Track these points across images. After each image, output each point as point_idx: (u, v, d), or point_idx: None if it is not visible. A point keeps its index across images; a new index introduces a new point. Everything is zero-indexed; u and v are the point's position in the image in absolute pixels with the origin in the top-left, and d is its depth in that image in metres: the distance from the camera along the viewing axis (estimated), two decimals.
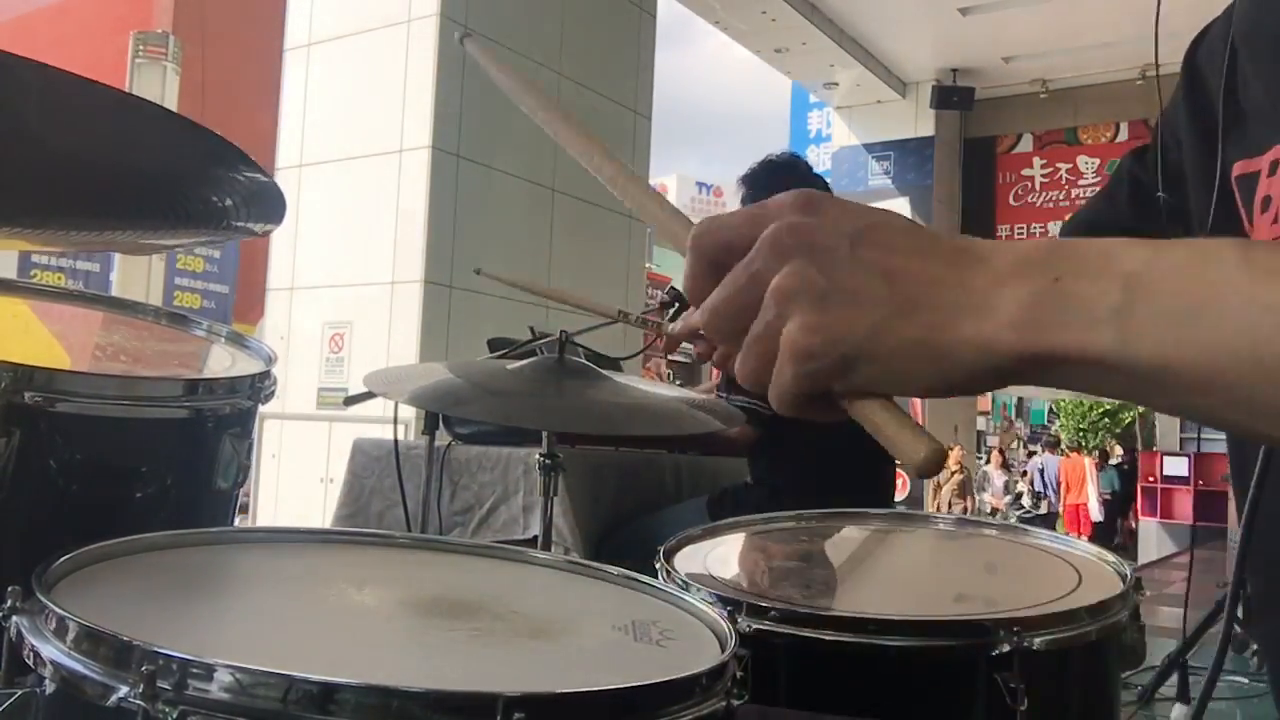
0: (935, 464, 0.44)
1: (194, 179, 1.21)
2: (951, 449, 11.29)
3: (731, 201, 2.79)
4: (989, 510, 13.31)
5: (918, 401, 10.51)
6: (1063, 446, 20.02)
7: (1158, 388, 0.42)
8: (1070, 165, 10.60)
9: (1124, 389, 0.43)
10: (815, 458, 2.34)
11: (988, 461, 14.26)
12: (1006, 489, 14.08)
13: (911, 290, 0.45)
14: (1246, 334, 0.39)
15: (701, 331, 1.10)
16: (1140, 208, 0.89)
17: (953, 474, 11.47)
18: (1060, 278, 0.43)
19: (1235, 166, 0.73)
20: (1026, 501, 15.20)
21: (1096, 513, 14.32)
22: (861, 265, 0.46)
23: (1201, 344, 0.40)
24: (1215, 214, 0.75)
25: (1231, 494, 0.80)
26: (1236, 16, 0.76)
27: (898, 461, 0.46)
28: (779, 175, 2.62)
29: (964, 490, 11.93)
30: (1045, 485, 15.29)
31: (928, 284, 0.45)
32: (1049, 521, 14.23)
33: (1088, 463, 15.35)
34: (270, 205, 1.27)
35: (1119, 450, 18.93)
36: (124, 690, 0.60)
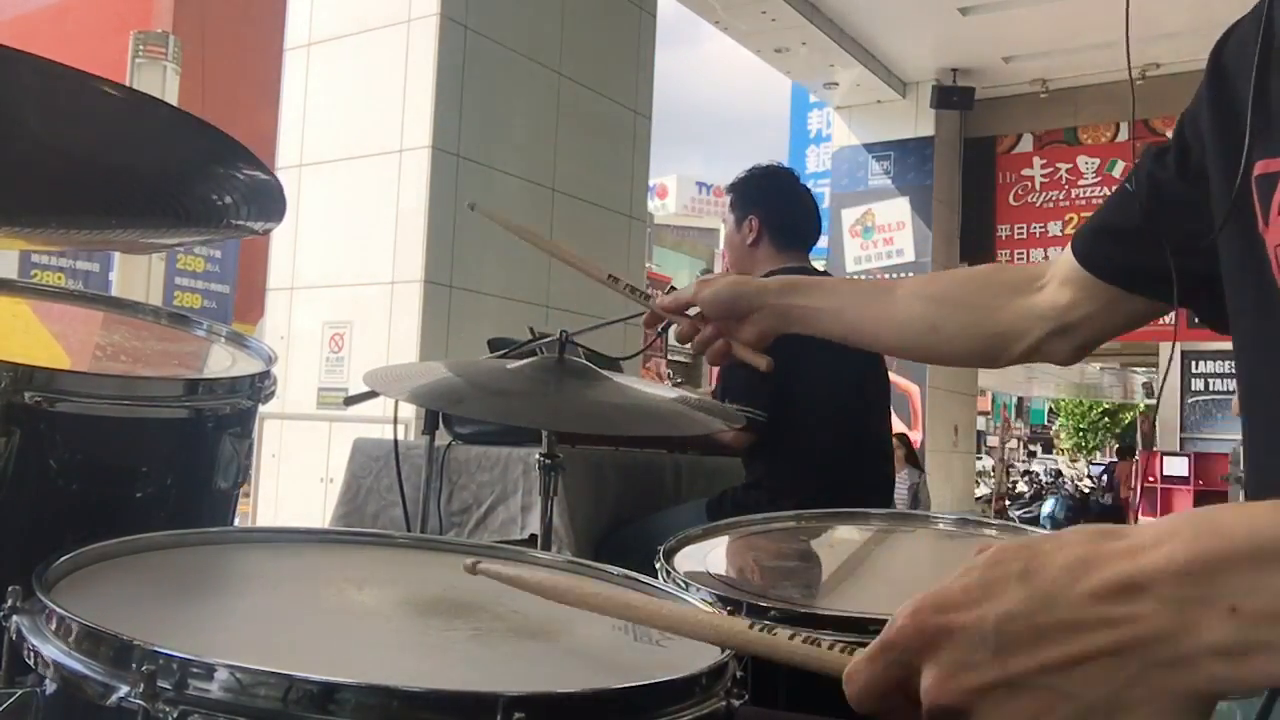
0: None
1: (193, 177, 1.21)
2: None
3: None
4: None
5: (916, 401, 10.45)
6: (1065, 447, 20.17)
7: None
8: (1070, 165, 10.59)
9: None
10: (814, 459, 2.34)
11: None
12: (916, 498, 9.29)
13: (1098, 680, 0.42)
14: None
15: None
16: (1159, 209, 0.89)
17: None
18: (1240, 605, 0.40)
19: (1256, 166, 0.73)
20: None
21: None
22: (1030, 683, 0.43)
23: None
24: (1232, 214, 0.75)
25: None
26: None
27: None
28: (767, 183, 2.64)
29: None
30: (1109, 483, 16.04)
31: (1110, 664, 0.42)
32: (1115, 512, 14.97)
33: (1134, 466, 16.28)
34: (270, 203, 1.27)
35: (1118, 450, 19.12)
36: (124, 690, 0.60)
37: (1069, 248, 1.01)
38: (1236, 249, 0.76)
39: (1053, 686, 0.43)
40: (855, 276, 10.37)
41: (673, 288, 2.26)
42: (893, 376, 2.91)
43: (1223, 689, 0.41)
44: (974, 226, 10.95)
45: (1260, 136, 0.73)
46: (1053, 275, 1.04)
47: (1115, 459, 18.21)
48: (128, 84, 8.03)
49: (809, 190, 2.76)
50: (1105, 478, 17.06)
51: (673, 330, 1.17)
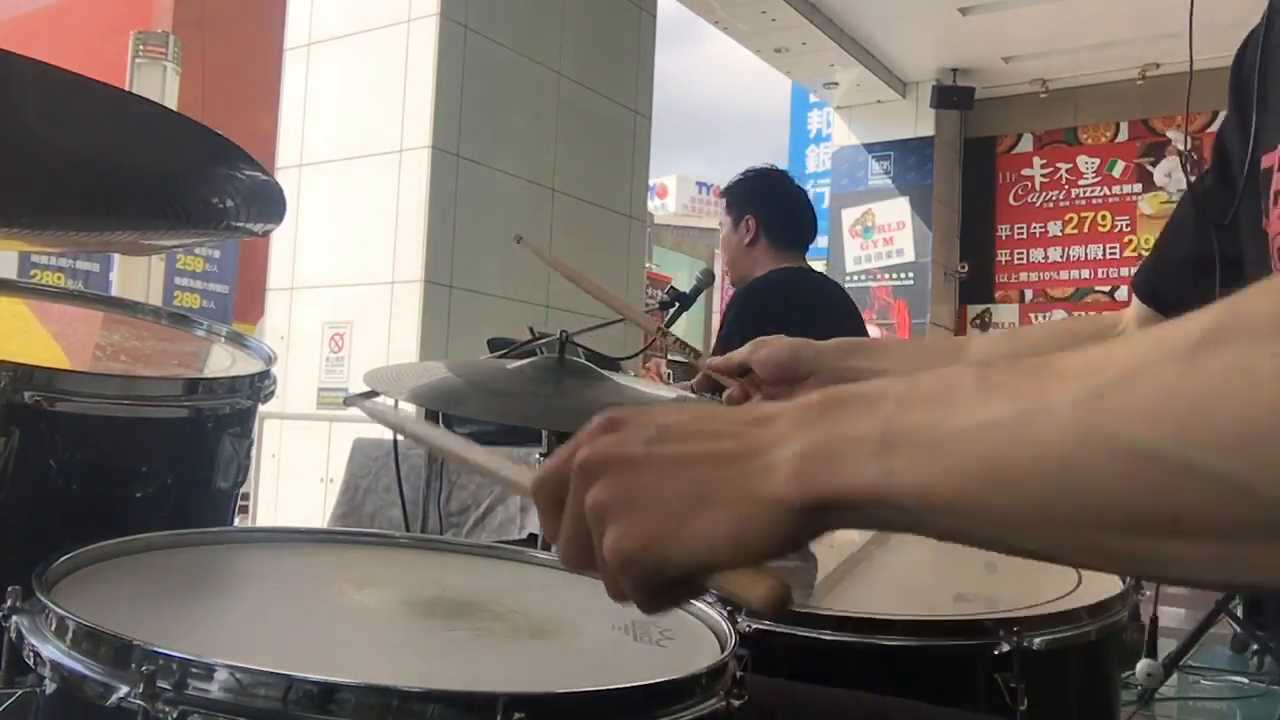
0: (778, 601, 0.46)
1: (194, 179, 1.22)
2: None
3: None
4: None
5: None
6: None
7: (926, 518, 0.43)
8: (1070, 165, 10.58)
9: (903, 523, 0.44)
10: None
11: None
12: None
13: (705, 473, 0.47)
14: (980, 453, 0.40)
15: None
16: (1204, 235, 0.90)
17: None
18: (833, 425, 0.45)
19: (1262, 160, 0.73)
20: None
21: None
22: (659, 464, 0.48)
23: (948, 469, 0.41)
24: (1246, 209, 0.76)
25: None
26: (1276, 12, 0.76)
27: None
28: (761, 183, 2.66)
29: None
30: None
31: (719, 463, 0.47)
32: None
33: None
34: (270, 205, 1.27)
35: None
36: (124, 690, 0.60)
37: (1131, 290, 1.05)
38: (1250, 247, 0.76)
39: (666, 472, 0.47)
40: (855, 276, 10.37)
41: (673, 288, 2.26)
42: None
43: (788, 494, 0.45)
44: (974, 226, 10.95)
45: (1264, 131, 0.74)
46: (1129, 319, 1.07)
47: None
48: (128, 84, 8.04)
49: (803, 190, 2.79)
50: None
51: (724, 395, 1.19)
